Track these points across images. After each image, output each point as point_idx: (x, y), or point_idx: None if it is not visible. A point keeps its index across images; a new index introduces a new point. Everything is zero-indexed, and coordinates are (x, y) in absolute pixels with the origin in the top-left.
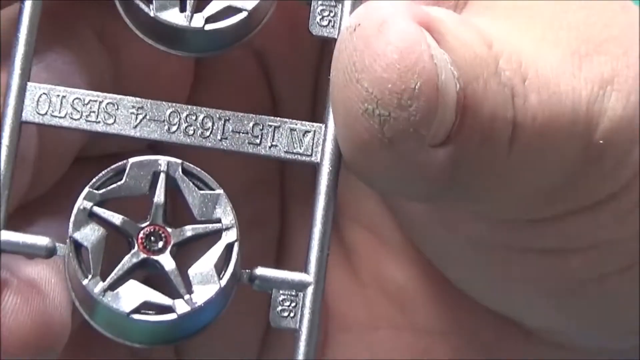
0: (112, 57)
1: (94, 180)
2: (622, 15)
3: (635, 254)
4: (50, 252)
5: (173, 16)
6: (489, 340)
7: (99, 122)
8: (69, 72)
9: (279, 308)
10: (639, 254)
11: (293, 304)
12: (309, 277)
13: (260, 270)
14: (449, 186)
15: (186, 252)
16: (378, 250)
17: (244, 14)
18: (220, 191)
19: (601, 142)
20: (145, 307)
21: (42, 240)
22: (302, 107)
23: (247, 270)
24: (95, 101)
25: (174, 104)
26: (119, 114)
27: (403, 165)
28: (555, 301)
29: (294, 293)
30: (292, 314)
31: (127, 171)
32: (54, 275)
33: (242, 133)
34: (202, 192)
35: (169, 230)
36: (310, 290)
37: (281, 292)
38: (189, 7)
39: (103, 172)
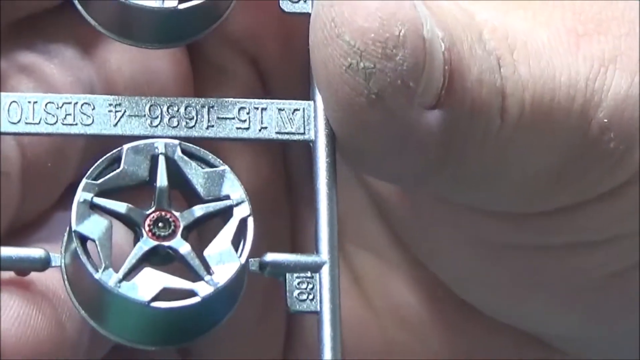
0: (99, 65)
1: (90, 170)
2: None
3: None
4: (45, 264)
5: None
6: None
7: (76, 124)
8: (54, 81)
9: (297, 292)
10: None
11: (310, 286)
12: (322, 257)
13: (270, 256)
14: (441, 160)
15: (196, 237)
16: (387, 274)
17: None
18: (225, 167)
19: (605, 120)
20: (165, 294)
21: (36, 252)
22: None
23: (256, 259)
24: (70, 103)
25: (152, 97)
26: (96, 114)
27: (393, 127)
28: (574, 303)
29: (309, 275)
30: (310, 297)
31: (123, 158)
32: (58, 288)
33: (229, 119)
34: (205, 170)
35: (177, 214)
36: (325, 269)
37: (295, 275)
38: None
39: (98, 162)
